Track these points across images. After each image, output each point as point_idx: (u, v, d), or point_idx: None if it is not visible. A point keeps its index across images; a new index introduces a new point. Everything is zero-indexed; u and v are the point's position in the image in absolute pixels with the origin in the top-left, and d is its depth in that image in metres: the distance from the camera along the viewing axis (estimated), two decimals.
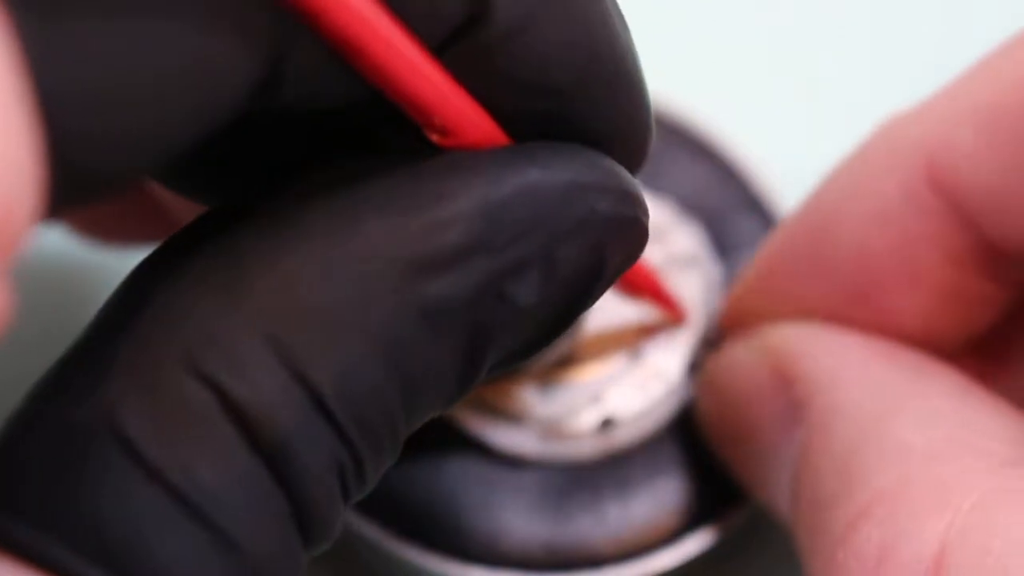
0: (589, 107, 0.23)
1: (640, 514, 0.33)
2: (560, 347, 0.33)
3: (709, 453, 0.33)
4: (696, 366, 0.33)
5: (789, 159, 0.39)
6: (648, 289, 0.32)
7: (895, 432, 0.27)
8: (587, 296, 0.23)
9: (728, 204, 0.36)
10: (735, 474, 0.32)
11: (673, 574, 0.33)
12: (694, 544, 0.32)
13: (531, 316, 0.23)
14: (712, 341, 0.34)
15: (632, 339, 0.33)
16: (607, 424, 0.33)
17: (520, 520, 0.32)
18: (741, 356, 0.31)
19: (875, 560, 0.25)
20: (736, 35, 0.42)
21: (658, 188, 0.35)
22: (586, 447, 0.33)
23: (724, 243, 0.35)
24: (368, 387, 0.21)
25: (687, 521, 0.33)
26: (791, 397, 0.29)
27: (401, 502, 0.32)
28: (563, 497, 0.33)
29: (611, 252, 0.23)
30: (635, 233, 0.24)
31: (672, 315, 0.32)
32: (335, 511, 0.22)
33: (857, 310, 0.30)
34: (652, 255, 0.34)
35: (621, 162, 0.24)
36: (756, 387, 0.30)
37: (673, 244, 0.34)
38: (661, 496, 0.33)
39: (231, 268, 0.21)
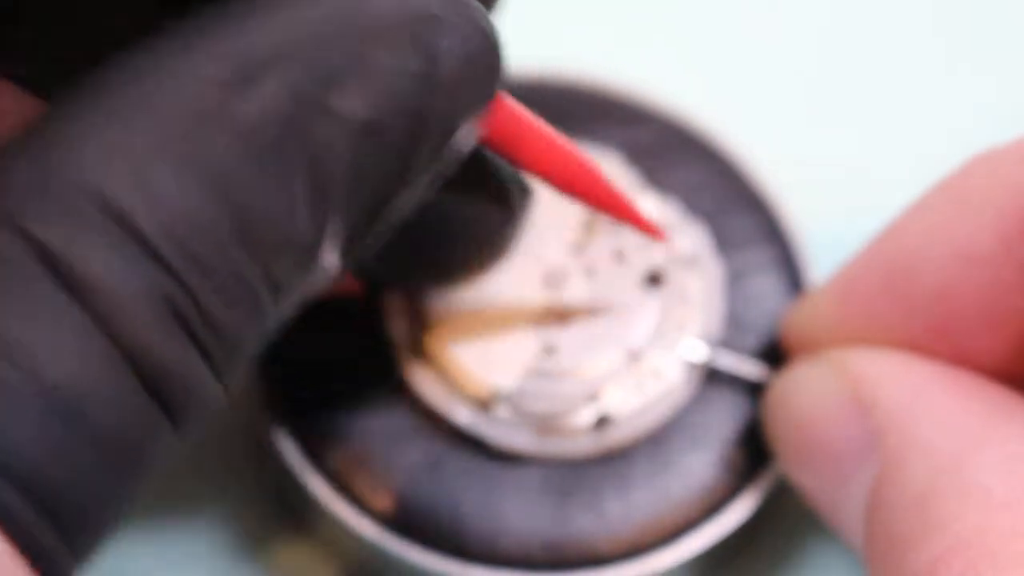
0: None
1: (641, 513, 0.33)
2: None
3: (711, 452, 0.33)
4: (696, 366, 0.33)
5: (788, 158, 0.39)
6: (621, 210, 0.30)
7: (974, 475, 0.26)
8: (423, 107, 0.22)
9: (728, 202, 0.36)
10: (806, 497, 0.31)
11: (674, 573, 0.33)
12: (695, 543, 0.32)
13: (368, 136, 0.22)
14: (721, 342, 0.34)
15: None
16: (603, 422, 0.33)
17: (520, 519, 0.32)
18: (814, 377, 0.31)
19: None
20: (736, 35, 0.42)
21: (663, 188, 0.35)
22: (582, 445, 0.33)
23: (724, 241, 0.35)
24: (193, 219, 0.21)
25: (689, 519, 0.33)
26: (867, 425, 0.29)
27: (401, 501, 0.32)
28: (563, 496, 0.32)
29: (440, 50, 0.22)
30: (464, 27, 0.22)
31: (650, 235, 0.31)
32: (179, 356, 0.21)
33: (934, 344, 0.29)
34: (654, 255, 0.34)
35: None
36: (830, 411, 0.30)
37: (676, 245, 0.34)
38: (662, 495, 0.33)
39: (52, 120, 0.21)
